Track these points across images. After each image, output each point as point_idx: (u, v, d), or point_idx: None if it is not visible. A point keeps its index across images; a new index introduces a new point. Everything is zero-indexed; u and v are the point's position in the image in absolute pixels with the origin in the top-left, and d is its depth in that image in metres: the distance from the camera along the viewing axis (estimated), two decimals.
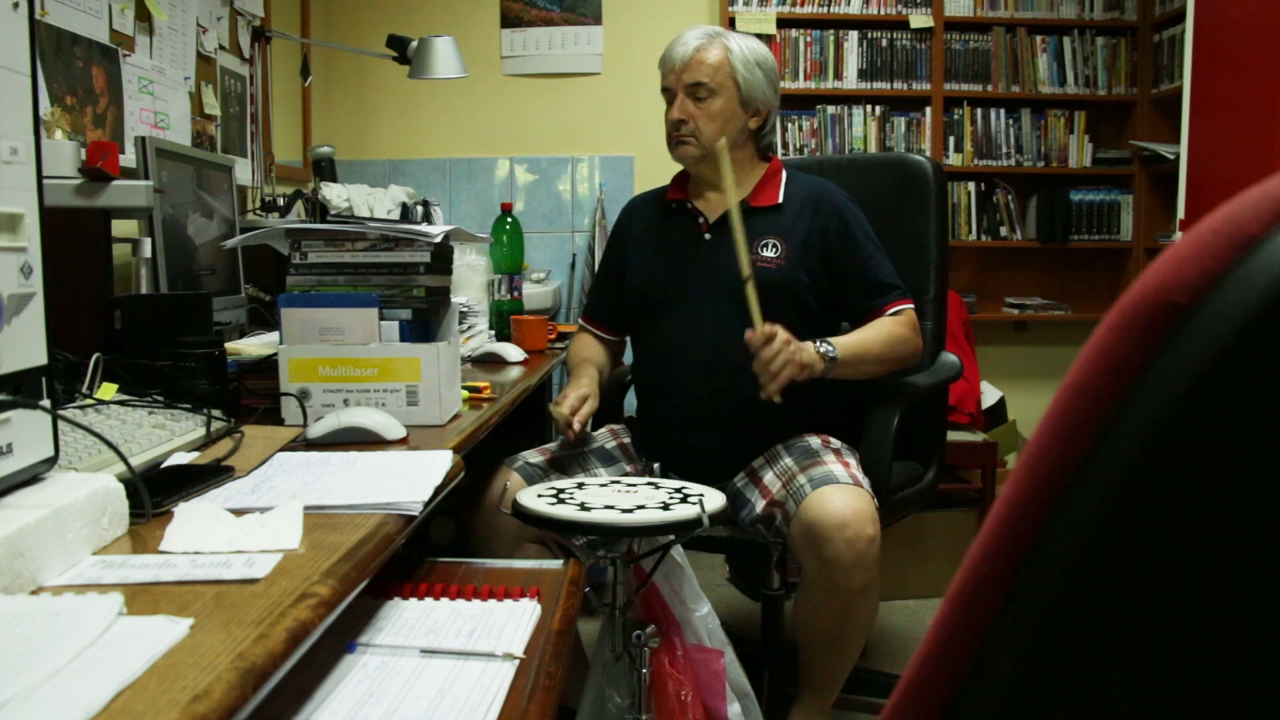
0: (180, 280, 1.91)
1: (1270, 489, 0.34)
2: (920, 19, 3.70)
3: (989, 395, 3.39)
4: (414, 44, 2.83)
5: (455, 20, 3.72)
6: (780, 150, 3.74)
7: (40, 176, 0.80)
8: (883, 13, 3.70)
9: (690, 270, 1.93)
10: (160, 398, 1.25)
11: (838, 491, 1.63)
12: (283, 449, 1.18)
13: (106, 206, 1.57)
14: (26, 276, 0.78)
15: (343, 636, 0.94)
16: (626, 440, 1.98)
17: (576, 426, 1.81)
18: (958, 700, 0.38)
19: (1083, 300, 3.88)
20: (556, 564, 1.25)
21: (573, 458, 1.90)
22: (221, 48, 2.77)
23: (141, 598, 0.69)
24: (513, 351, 2.13)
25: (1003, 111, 3.78)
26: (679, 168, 2.04)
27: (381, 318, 1.38)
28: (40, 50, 1.86)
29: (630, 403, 2.15)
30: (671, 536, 1.49)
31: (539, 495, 1.48)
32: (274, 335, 1.82)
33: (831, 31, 3.72)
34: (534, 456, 1.85)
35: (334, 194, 2.54)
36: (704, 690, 1.57)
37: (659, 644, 1.51)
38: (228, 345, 1.55)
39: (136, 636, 0.61)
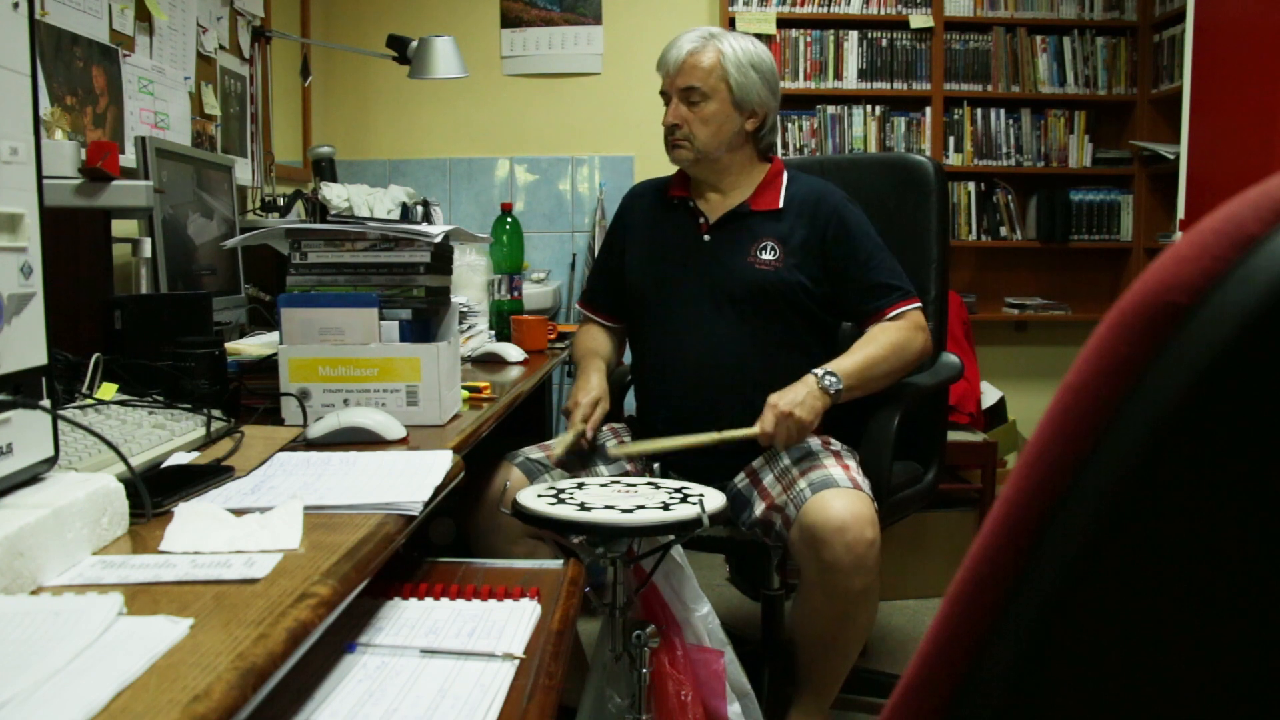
0: (180, 280, 1.91)
1: (1270, 489, 0.34)
2: (920, 19, 3.70)
3: (989, 395, 3.39)
4: (414, 44, 2.83)
5: (455, 20, 3.72)
6: (780, 150, 3.74)
7: (40, 176, 0.80)
8: (883, 13, 3.70)
9: (688, 270, 1.93)
10: (160, 398, 1.25)
11: (837, 495, 1.63)
12: (283, 449, 1.18)
13: (106, 206, 1.57)
14: (26, 276, 0.78)
15: (343, 636, 0.94)
16: (626, 440, 1.98)
17: (589, 434, 1.81)
18: (958, 700, 0.38)
19: (1083, 300, 3.88)
20: (556, 564, 1.25)
21: (573, 455, 1.90)
22: (221, 48, 2.77)
23: (141, 598, 0.69)
24: (513, 351, 2.13)
25: (1003, 111, 3.78)
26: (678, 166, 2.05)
27: (381, 318, 1.38)
28: (40, 50, 1.86)
29: (630, 402, 2.15)
30: (671, 536, 1.49)
31: (539, 495, 1.48)
32: (274, 335, 1.82)
33: (831, 31, 3.72)
34: (535, 453, 1.85)
35: (334, 194, 2.54)
36: (704, 690, 1.57)
37: (659, 644, 1.51)
38: (228, 345, 1.55)
39: (136, 636, 0.61)
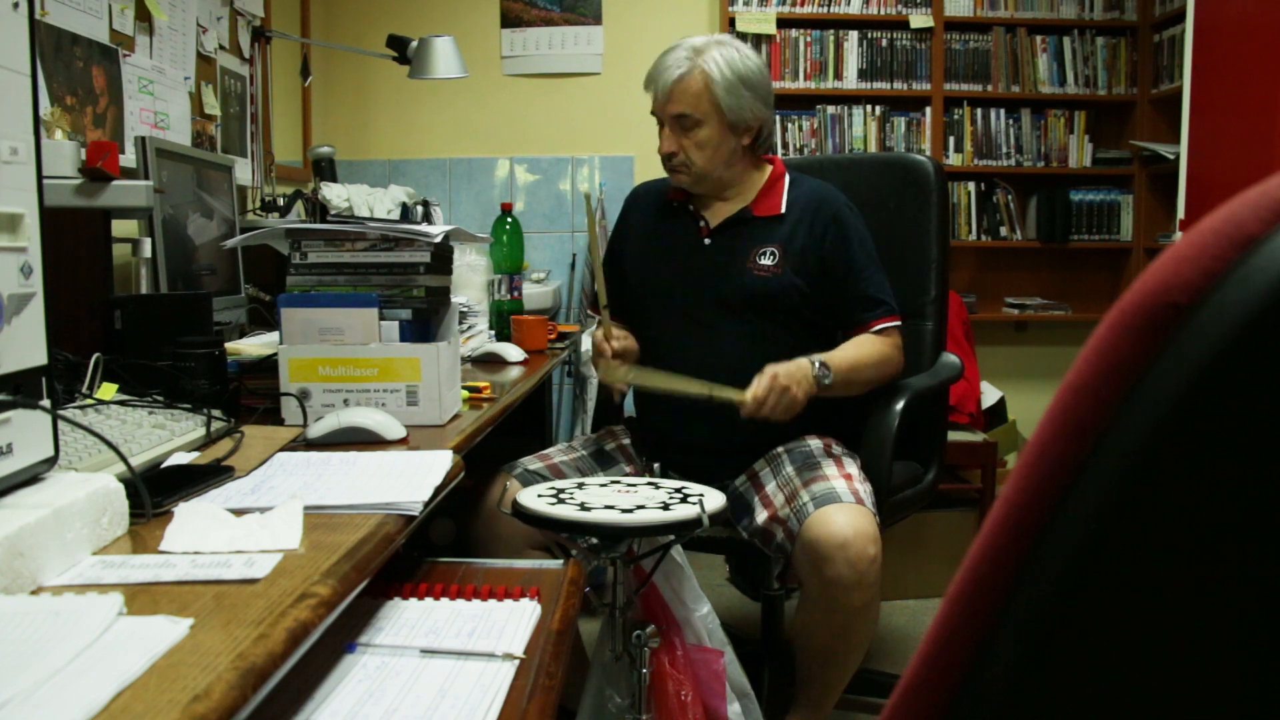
0: (180, 280, 1.91)
1: (1270, 488, 0.34)
2: (920, 19, 3.70)
3: (989, 395, 3.39)
4: (414, 44, 2.83)
5: (455, 20, 3.72)
6: (780, 150, 3.74)
7: (40, 176, 0.80)
8: (883, 13, 3.70)
9: (688, 274, 1.92)
10: (160, 398, 1.25)
11: (840, 510, 1.63)
12: (283, 449, 1.18)
13: (106, 206, 1.57)
14: (26, 276, 0.78)
15: (343, 636, 0.94)
16: (626, 441, 1.98)
17: (615, 345, 1.81)
18: (958, 700, 0.38)
19: (1083, 300, 3.88)
20: (556, 564, 1.25)
21: (570, 464, 1.90)
22: (221, 48, 2.77)
23: (141, 598, 0.69)
24: (513, 351, 2.13)
25: (1003, 111, 3.78)
26: None
27: (381, 318, 1.38)
28: (40, 50, 1.86)
29: (629, 404, 2.15)
30: (671, 536, 1.49)
31: (539, 495, 1.48)
32: (274, 335, 1.82)
33: (831, 31, 3.72)
34: (534, 464, 1.85)
35: (334, 194, 2.54)
36: (704, 690, 1.57)
37: (659, 644, 1.51)
38: (228, 345, 1.55)
39: (136, 636, 0.61)
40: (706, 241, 1.93)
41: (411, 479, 1.03)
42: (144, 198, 1.62)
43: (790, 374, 1.71)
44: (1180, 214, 2.95)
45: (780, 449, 1.84)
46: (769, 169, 1.97)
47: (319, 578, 0.74)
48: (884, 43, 3.73)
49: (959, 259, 3.85)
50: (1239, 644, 0.37)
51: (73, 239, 1.51)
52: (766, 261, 1.87)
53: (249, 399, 1.44)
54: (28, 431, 0.78)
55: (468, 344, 2.16)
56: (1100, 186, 3.83)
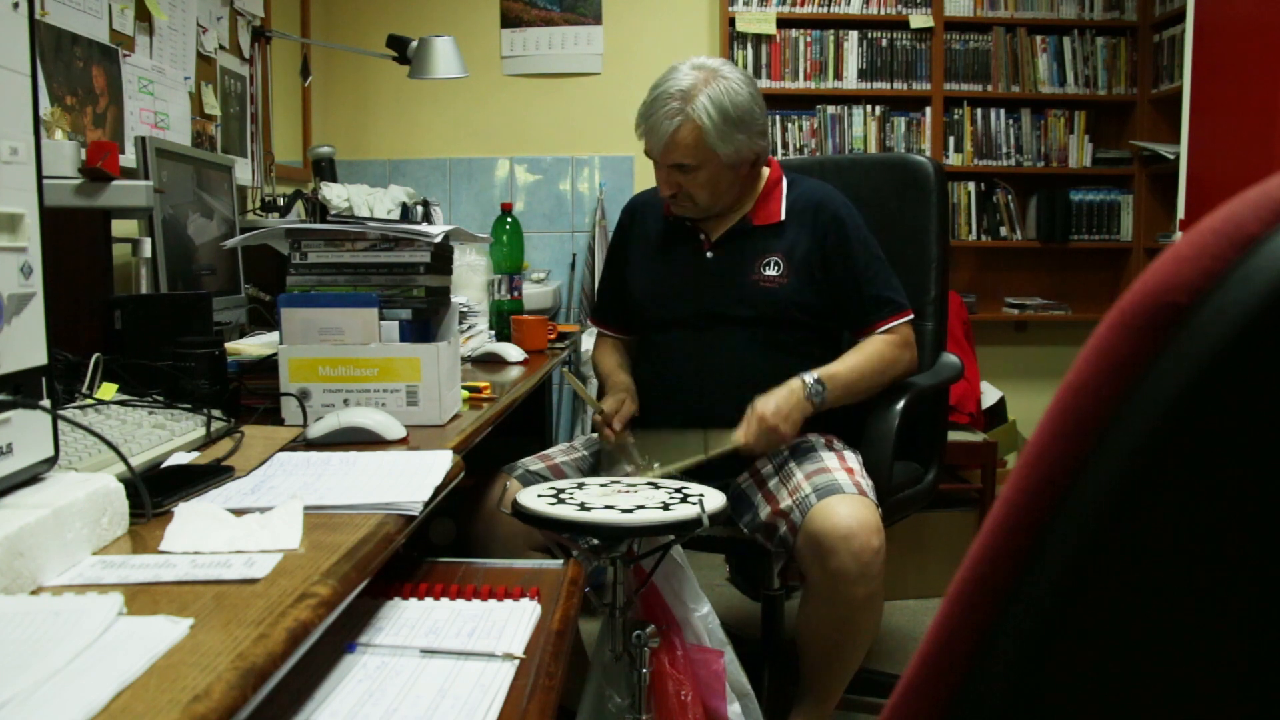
0: (180, 280, 1.91)
1: (1270, 488, 0.34)
2: (920, 19, 3.70)
3: (989, 395, 3.39)
4: (414, 44, 2.83)
5: (455, 20, 3.72)
6: (780, 150, 3.74)
7: (40, 176, 0.80)
8: (883, 13, 3.70)
9: (691, 287, 1.91)
10: (160, 398, 1.25)
11: (843, 501, 1.63)
12: (283, 449, 1.18)
13: (106, 206, 1.57)
14: (26, 276, 0.78)
15: (343, 636, 0.94)
16: (630, 441, 1.98)
17: (617, 426, 1.81)
18: (958, 700, 0.38)
19: (1083, 300, 3.88)
20: (556, 564, 1.25)
21: (571, 464, 1.90)
22: (221, 48, 2.77)
23: (141, 598, 0.69)
24: (513, 351, 2.13)
25: (1003, 111, 3.78)
26: None
27: (381, 318, 1.38)
28: (40, 50, 1.86)
29: None
30: (671, 536, 1.49)
31: (539, 495, 1.48)
32: (274, 335, 1.82)
33: (831, 31, 3.72)
34: (534, 464, 1.85)
35: (334, 194, 2.54)
36: (704, 690, 1.57)
37: (659, 644, 1.51)
38: (228, 345, 1.55)
39: (136, 636, 0.61)
40: (708, 255, 1.92)
41: (411, 479, 1.03)
42: (144, 198, 1.62)
43: (778, 409, 1.71)
44: (1180, 214, 2.95)
45: (782, 446, 1.84)
46: (765, 173, 1.96)
47: (319, 578, 0.74)
48: (884, 43, 3.73)
49: (959, 259, 3.85)
50: (1239, 644, 0.37)
51: (73, 239, 1.51)
52: (771, 272, 1.87)
53: (249, 399, 1.44)
54: (28, 431, 0.78)
55: (468, 344, 2.16)
56: (1100, 186, 3.83)
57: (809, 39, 3.72)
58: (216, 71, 2.74)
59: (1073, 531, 0.34)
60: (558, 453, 1.92)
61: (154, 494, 0.90)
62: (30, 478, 0.79)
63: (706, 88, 1.80)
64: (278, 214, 2.73)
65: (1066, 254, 3.85)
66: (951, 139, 3.77)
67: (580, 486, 1.56)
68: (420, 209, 2.65)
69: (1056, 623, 0.35)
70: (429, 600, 1.06)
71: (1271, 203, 0.31)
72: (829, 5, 3.70)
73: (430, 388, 1.35)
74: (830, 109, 3.76)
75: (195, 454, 1.11)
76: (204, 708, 0.53)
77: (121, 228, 1.85)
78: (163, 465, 1.04)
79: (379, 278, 1.44)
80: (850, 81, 3.73)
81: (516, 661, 0.92)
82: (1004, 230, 3.83)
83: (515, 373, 1.98)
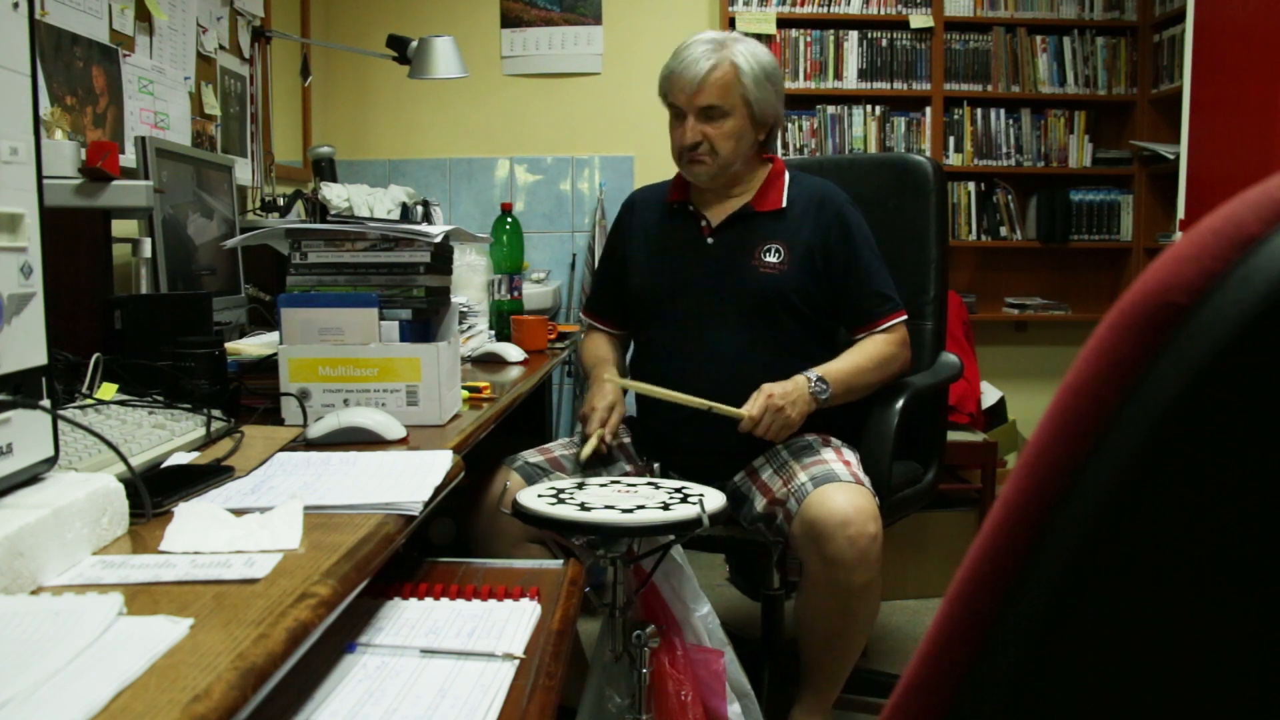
0: (180, 280, 1.91)
1: (1270, 489, 0.34)
2: (920, 19, 3.70)
3: (989, 395, 3.39)
4: (414, 44, 2.83)
5: (455, 20, 3.72)
6: (780, 150, 3.74)
7: (40, 176, 0.80)
8: (883, 13, 3.70)
9: (691, 274, 1.92)
10: (160, 398, 1.25)
11: (839, 489, 1.63)
12: (283, 449, 1.18)
13: (106, 206, 1.57)
14: (26, 276, 0.78)
15: (343, 636, 0.94)
16: (626, 440, 1.98)
17: (609, 438, 1.81)
18: (958, 700, 0.38)
19: (1083, 300, 3.88)
20: (556, 564, 1.25)
21: (572, 457, 1.90)
22: (221, 48, 2.77)
23: (141, 598, 0.69)
24: (513, 351, 2.13)
25: (1003, 111, 3.78)
26: (678, 166, 2.04)
27: (381, 318, 1.38)
28: (40, 50, 1.86)
29: (631, 403, 2.15)
30: (671, 536, 1.49)
31: (539, 495, 1.48)
32: (274, 335, 1.82)
33: (831, 31, 3.72)
34: (534, 456, 1.85)
35: (334, 194, 2.54)
36: (704, 690, 1.57)
37: (659, 644, 1.51)
38: (228, 345, 1.55)
39: (136, 636, 0.61)
40: (709, 240, 1.93)
41: (411, 479, 1.03)
42: (144, 198, 1.62)
43: (786, 393, 1.72)
44: (1180, 214, 2.95)
45: (779, 445, 1.84)
46: (769, 166, 1.98)
47: (319, 578, 0.74)
48: (884, 43, 3.73)
49: (959, 259, 3.85)
50: (1239, 644, 0.37)
51: (73, 239, 1.51)
52: (772, 259, 1.87)
53: (249, 399, 1.44)
54: (28, 431, 0.78)
55: (468, 344, 2.16)
56: (1100, 186, 3.83)
57: (809, 39, 3.72)
58: (216, 71, 2.74)
59: (1073, 531, 0.34)
60: (558, 446, 1.92)
61: (154, 494, 0.90)
62: (30, 478, 0.79)
63: (740, 41, 1.88)
64: (278, 214, 2.73)
65: (1066, 254, 3.85)
66: (951, 139, 3.77)
67: (580, 486, 1.56)
68: (420, 209, 2.65)
69: (1056, 623, 0.35)
70: (429, 600, 1.06)
71: (1271, 203, 0.31)
72: (829, 5, 3.70)
73: (430, 388, 1.35)
74: (830, 109, 3.76)
75: (195, 454, 1.11)
76: (204, 708, 0.53)
77: (121, 228, 1.85)
78: (163, 465, 1.04)
79: (379, 278, 1.44)
80: (850, 81, 3.73)
81: (516, 661, 0.92)
82: (1004, 230, 3.83)
83: (515, 373, 1.98)
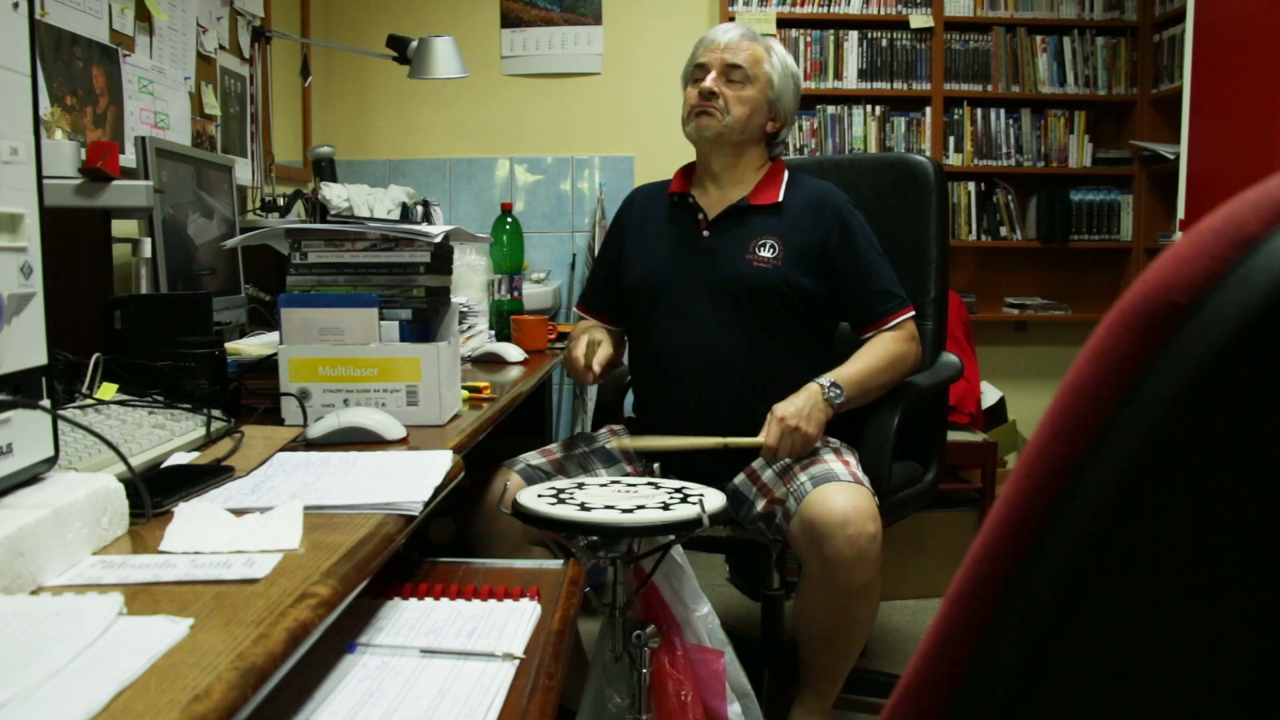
0: (180, 280, 1.91)
1: (1270, 489, 0.34)
2: (920, 19, 3.70)
3: (989, 395, 3.39)
4: (414, 44, 2.83)
5: (455, 20, 3.72)
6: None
7: (40, 176, 0.80)
8: (883, 13, 3.70)
9: (688, 268, 1.92)
10: (160, 398, 1.25)
11: (839, 489, 1.64)
12: (283, 449, 1.18)
13: (106, 206, 1.57)
14: (26, 276, 0.78)
15: (343, 636, 0.94)
16: (627, 440, 1.98)
17: (597, 369, 1.82)
18: (958, 700, 0.38)
19: (1083, 300, 3.88)
20: (556, 564, 1.25)
21: (573, 458, 1.90)
22: (221, 48, 2.77)
23: (141, 598, 0.69)
24: (513, 351, 2.13)
25: (1003, 111, 3.78)
26: (678, 165, 2.04)
27: (381, 318, 1.38)
28: (40, 50, 1.86)
29: (629, 402, 2.15)
30: (671, 536, 1.49)
31: (539, 495, 1.48)
32: (274, 335, 1.82)
33: (831, 31, 3.72)
34: (534, 459, 1.85)
35: (334, 194, 2.54)
36: (704, 690, 1.57)
37: (659, 644, 1.51)
38: (228, 345, 1.55)
39: (136, 636, 0.61)
40: (705, 234, 1.93)
41: (411, 479, 1.03)
42: (144, 198, 1.62)
43: (798, 410, 1.72)
44: (1180, 214, 2.95)
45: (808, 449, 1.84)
46: (771, 165, 1.99)
47: (319, 578, 0.74)
48: (884, 43, 3.73)
49: (959, 259, 3.85)
50: (1239, 644, 0.37)
51: (73, 239, 1.51)
52: (766, 254, 1.88)
53: (249, 399, 1.44)
54: (28, 431, 0.78)
55: (468, 344, 2.16)
56: (1100, 186, 3.83)
57: (809, 39, 3.72)
58: (216, 71, 2.74)
59: (1073, 531, 0.34)
60: (559, 447, 1.92)
61: (154, 494, 0.90)
62: (30, 478, 0.79)
63: (773, 39, 2.01)
64: (278, 214, 2.72)
65: (1066, 254, 3.85)
66: (951, 139, 3.77)
67: (580, 486, 1.56)
68: (420, 209, 2.65)
69: (1056, 623, 0.35)
70: (429, 600, 1.06)
71: (1271, 203, 0.31)
72: (829, 5, 3.70)
73: (430, 388, 1.35)
74: (830, 109, 3.76)
75: (195, 454, 1.11)
76: (204, 708, 0.53)
77: (121, 228, 1.85)
78: (163, 465, 1.04)
79: (379, 278, 1.44)
80: (850, 81, 3.73)
81: (516, 661, 0.92)
82: (1004, 230, 3.83)
83: (515, 373, 1.98)
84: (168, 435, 1.10)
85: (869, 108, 3.75)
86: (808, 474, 1.70)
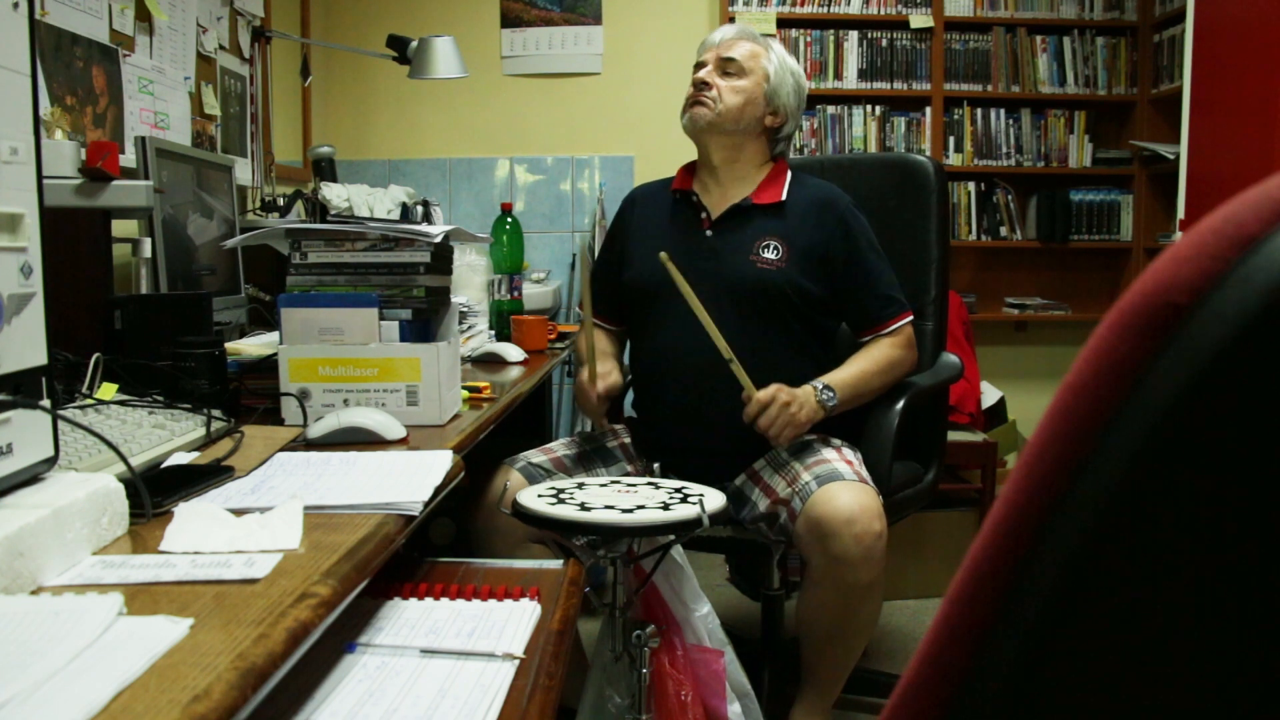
0: (180, 280, 1.91)
1: (1270, 489, 0.34)
2: (920, 19, 3.70)
3: (989, 395, 3.39)
4: (414, 44, 2.83)
5: (455, 20, 3.72)
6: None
7: (40, 176, 0.80)
8: (883, 13, 3.70)
9: (690, 267, 1.91)
10: (160, 398, 1.25)
11: (844, 487, 1.64)
12: (283, 449, 1.18)
13: (106, 206, 1.57)
14: (26, 276, 0.78)
15: (343, 636, 0.94)
16: (626, 440, 1.98)
17: (601, 390, 1.82)
18: (958, 700, 0.38)
19: (1083, 300, 3.88)
20: (556, 564, 1.25)
21: (574, 457, 1.90)
22: (221, 48, 2.77)
23: (141, 598, 0.69)
24: (513, 351, 2.13)
25: (1003, 111, 3.78)
26: (678, 165, 2.04)
27: (381, 318, 1.38)
28: (40, 50, 1.86)
29: (629, 404, 2.15)
30: (671, 536, 1.49)
31: (539, 495, 1.48)
32: (274, 335, 1.82)
33: (831, 31, 3.72)
34: (535, 456, 1.85)
35: (334, 194, 2.54)
36: (704, 690, 1.57)
37: (659, 644, 1.51)
38: (228, 345, 1.55)
39: (136, 636, 0.61)
40: (708, 233, 1.93)
41: (411, 479, 1.03)
42: (144, 198, 1.62)
43: (794, 395, 1.73)
44: (1180, 214, 2.95)
45: (786, 440, 1.84)
46: (774, 164, 1.99)
47: (319, 578, 0.74)
48: (884, 43, 3.73)
49: (959, 259, 3.85)
50: (1239, 644, 0.37)
51: (73, 239, 1.51)
52: (770, 255, 1.88)
53: (249, 399, 1.44)
54: (28, 431, 0.78)
55: (468, 344, 2.16)
56: (1100, 186, 3.83)
57: (809, 39, 3.72)
58: (216, 71, 2.74)
59: (1072, 531, 0.34)
60: (559, 446, 1.92)
61: (154, 494, 0.90)
62: (30, 478, 0.79)
63: (773, 39, 2.03)
64: (278, 214, 2.72)
65: (1066, 254, 3.85)
66: (951, 139, 3.77)
67: (580, 486, 1.56)
68: (420, 209, 2.65)
69: (1056, 623, 0.35)
70: (429, 600, 1.06)
71: (1271, 203, 0.31)
72: (829, 5, 3.70)
73: (430, 388, 1.35)
74: (830, 109, 3.76)
75: (195, 454, 1.11)
76: (204, 708, 0.53)
77: (121, 228, 1.86)
78: (163, 465, 1.04)
79: (379, 278, 1.44)
80: (850, 81, 3.73)
81: (516, 661, 0.92)
82: (1004, 230, 3.83)
83: (515, 373, 1.98)
84: (168, 435, 1.10)
85: (869, 108, 3.75)
86: (812, 473, 1.70)
